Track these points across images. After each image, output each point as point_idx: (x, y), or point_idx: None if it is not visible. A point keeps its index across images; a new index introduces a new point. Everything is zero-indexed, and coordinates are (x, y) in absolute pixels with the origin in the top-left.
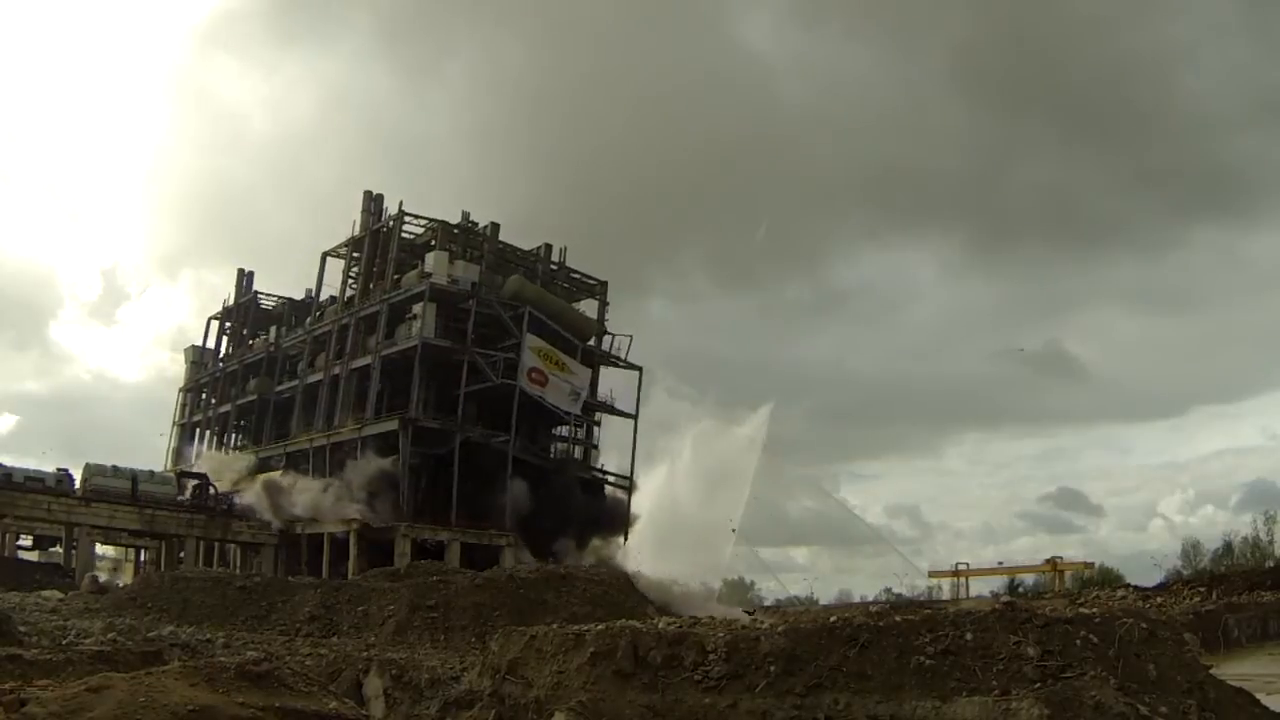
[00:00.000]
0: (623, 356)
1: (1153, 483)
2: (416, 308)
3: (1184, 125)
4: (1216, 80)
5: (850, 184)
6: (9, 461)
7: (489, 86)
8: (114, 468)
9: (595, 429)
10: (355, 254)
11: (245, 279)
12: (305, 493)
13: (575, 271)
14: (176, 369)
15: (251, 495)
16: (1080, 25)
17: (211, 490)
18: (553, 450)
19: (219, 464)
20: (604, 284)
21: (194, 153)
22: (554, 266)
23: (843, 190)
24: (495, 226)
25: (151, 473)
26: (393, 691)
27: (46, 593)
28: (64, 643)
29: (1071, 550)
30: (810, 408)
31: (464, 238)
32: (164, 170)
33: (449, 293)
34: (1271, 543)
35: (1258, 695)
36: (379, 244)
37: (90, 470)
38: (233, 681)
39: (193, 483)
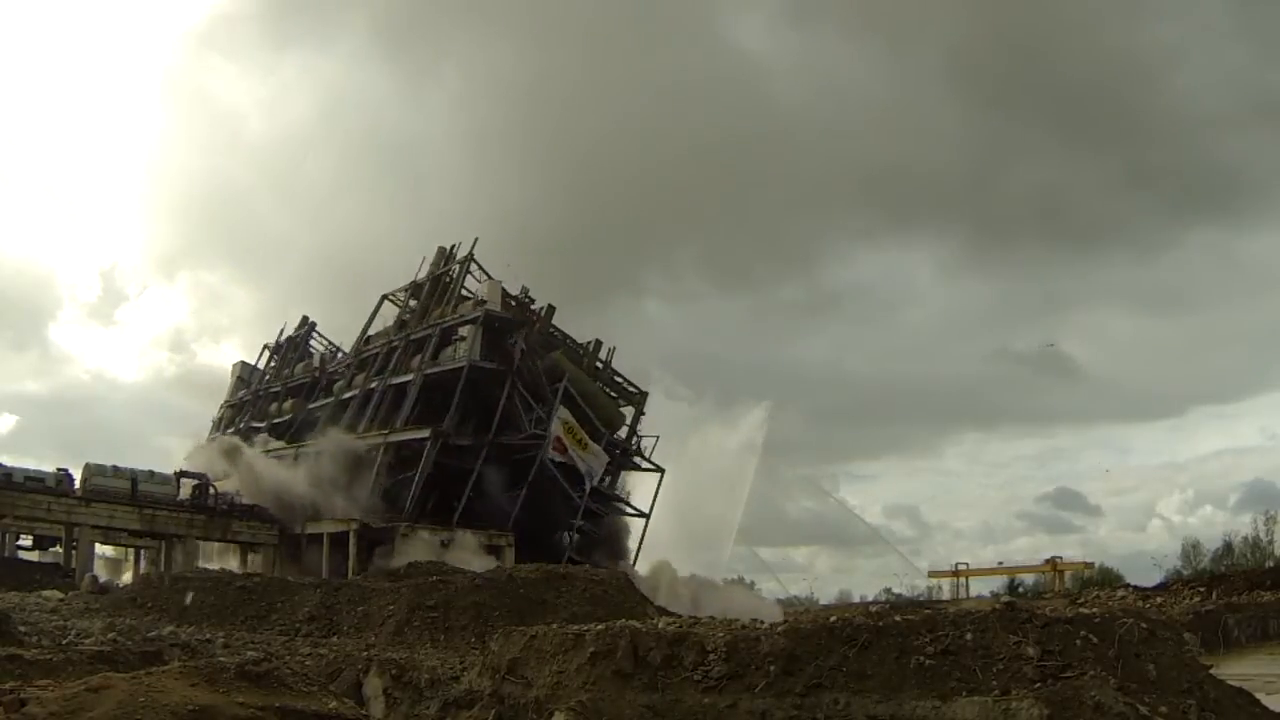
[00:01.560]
0: (648, 456)
1: (1151, 483)
2: (464, 330)
3: (1178, 126)
4: (1210, 81)
5: (845, 184)
6: (9, 461)
7: (484, 88)
8: (114, 468)
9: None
10: (413, 300)
11: (308, 325)
12: (269, 466)
13: (619, 375)
14: (174, 369)
15: (214, 466)
16: (1073, 25)
17: (212, 490)
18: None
19: (209, 456)
20: (644, 394)
21: (191, 154)
22: (599, 365)
23: (837, 190)
24: (551, 309)
25: (151, 473)
26: (392, 691)
27: (46, 593)
28: (64, 643)
29: (1070, 550)
30: (808, 408)
31: (519, 310)
32: (162, 171)
33: (501, 319)
34: (1271, 543)
35: (1258, 695)
36: (438, 289)
37: (90, 470)
38: (233, 681)
39: (193, 483)
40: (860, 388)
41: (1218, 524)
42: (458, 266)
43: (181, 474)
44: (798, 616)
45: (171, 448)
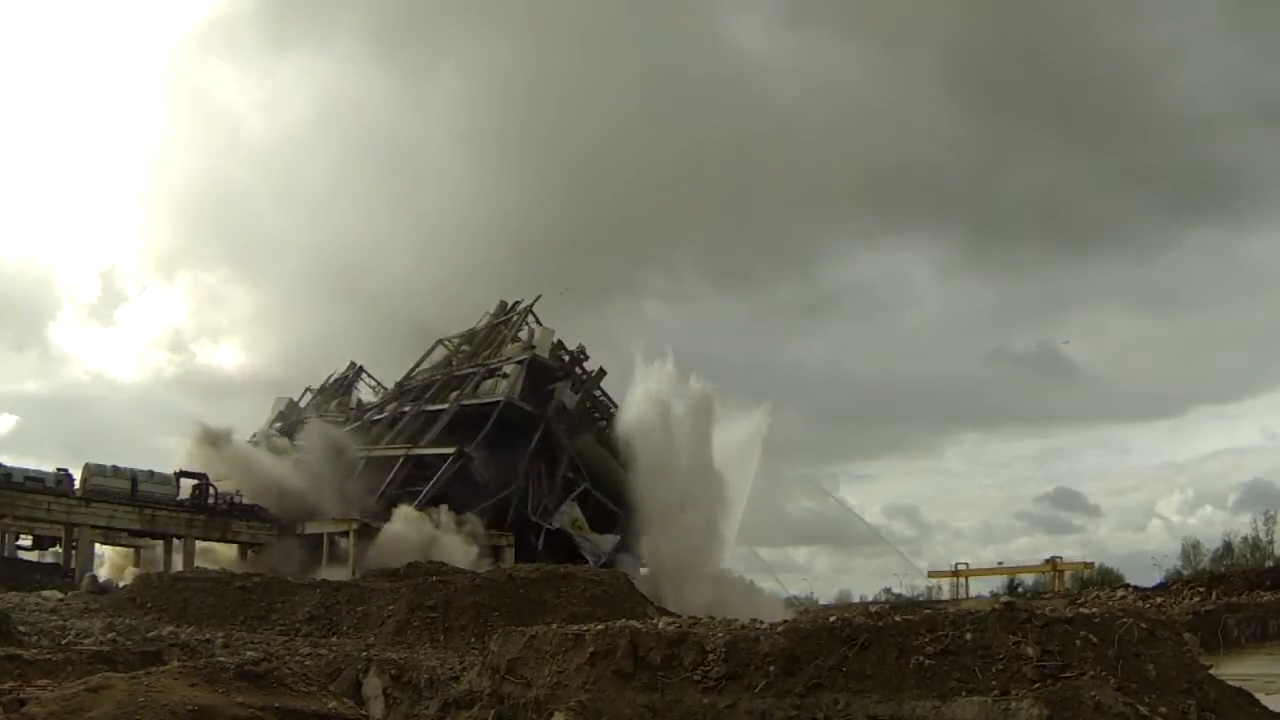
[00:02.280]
0: None
1: (1151, 483)
2: (508, 368)
3: (1176, 126)
4: (1208, 81)
5: (844, 184)
6: (9, 461)
7: (482, 88)
8: (114, 468)
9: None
10: (465, 346)
11: (354, 369)
12: (259, 456)
13: None
14: (174, 369)
15: (199, 454)
16: (1071, 25)
17: (212, 490)
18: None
19: (207, 454)
20: None
21: (190, 155)
22: None
23: (836, 190)
24: (602, 372)
25: (151, 473)
26: (392, 691)
27: (46, 593)
28: (64, 643)
29: (1070, 550)
30: (808, 408)
31: (570, 365)
32: (161, 172)
33: (546, 364)
34: (1271, 543)
35: (1258, 695)
36: (492, 337)
37: (90, 470)
38: (232, 681)
39: (193, 483)
40: (860, 388)
41: (1217, 524)
42: (516, 317)
43: (181, 474)
44: (798, 616)
45: (171, 448)
